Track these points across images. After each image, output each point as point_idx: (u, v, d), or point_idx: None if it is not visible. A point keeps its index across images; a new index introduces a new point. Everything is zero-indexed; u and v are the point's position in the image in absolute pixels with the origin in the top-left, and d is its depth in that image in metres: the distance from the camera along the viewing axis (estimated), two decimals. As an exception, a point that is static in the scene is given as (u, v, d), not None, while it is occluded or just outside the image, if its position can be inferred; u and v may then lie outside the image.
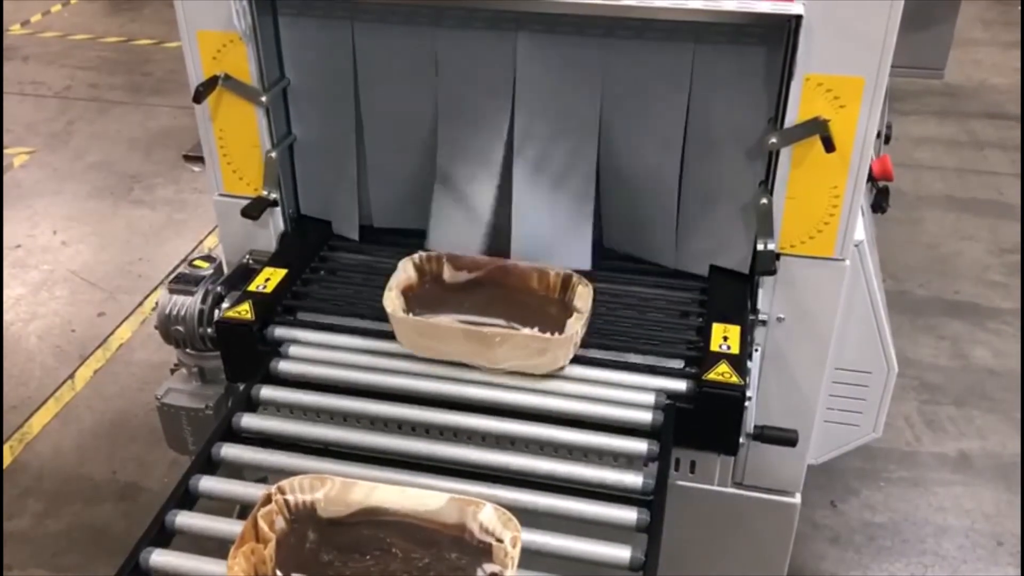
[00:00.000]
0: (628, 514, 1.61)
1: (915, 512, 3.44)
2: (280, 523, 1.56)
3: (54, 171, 5.78)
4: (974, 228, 5.09)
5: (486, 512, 1.53)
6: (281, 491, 1.57)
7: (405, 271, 2.05)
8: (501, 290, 2.06)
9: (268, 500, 1.55)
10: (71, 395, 4.04)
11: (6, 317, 4.47)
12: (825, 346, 2.12)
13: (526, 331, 1.89)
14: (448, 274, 2.09)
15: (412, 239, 2.31)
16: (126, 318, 4.49)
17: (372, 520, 1.56)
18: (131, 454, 3.71)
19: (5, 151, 5.94)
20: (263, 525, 1.52)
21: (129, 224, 5.25)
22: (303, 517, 1.58)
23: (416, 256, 2.07)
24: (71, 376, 4.13)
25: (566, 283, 2.03)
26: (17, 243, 5.05)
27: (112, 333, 4.40)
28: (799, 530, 2.44)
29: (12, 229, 5.16)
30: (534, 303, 2.03)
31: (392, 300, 1.96)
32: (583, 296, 1.98)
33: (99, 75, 7.11)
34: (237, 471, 1.80)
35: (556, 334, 1.87)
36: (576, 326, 1.90)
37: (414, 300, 2.02)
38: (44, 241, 5.09)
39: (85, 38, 7.83)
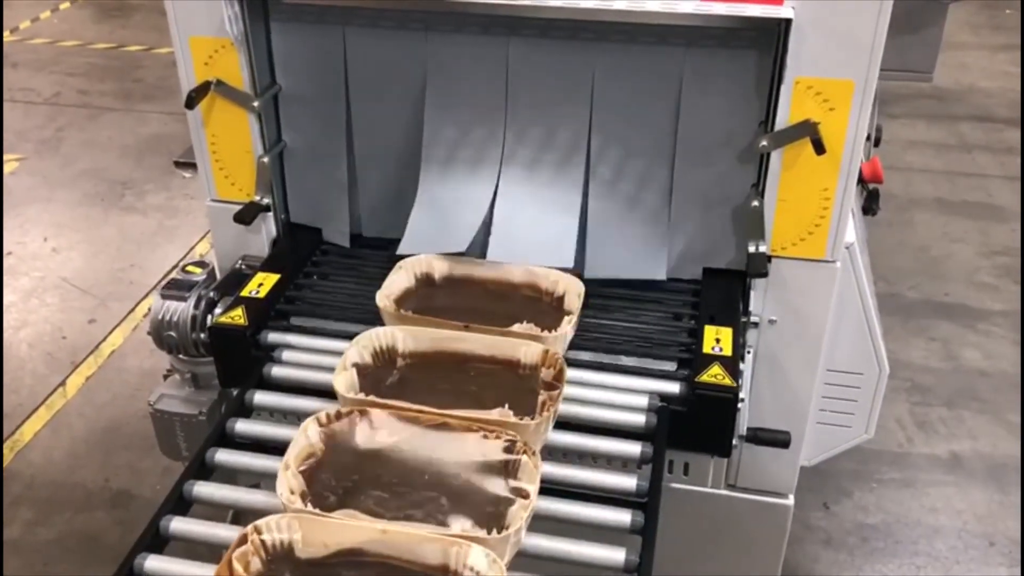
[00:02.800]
0: (622, 516, 1.62)
1: (907, 513, 3.45)
2: (256, 564, 1.48)
3: (44, 178, 5.76)
4: (964, 230, 5.12)
5: (472, 554, 1.44)
6: (257, 531, 1.49)
7: (307, 438, 1.64)
8: (427, 461, 1.65)
9: (243, 540, 1.48)
10: (62, 402, 4.02)
11: (-3, 325, 4.46)
12: (817, 348, 2.13)
13: (454, 528, 1.53)
14: (362, 437, 1.68)
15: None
16: (117, 325, 4.48)
17: (352, 560, 1.49)
18: (123, 461, 3.69)
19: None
20: (238, 567, 1.45)
21: (120, 231, 5.24)
22: (280, 558, 1.50)
23: (323, 415, 1.68)
24: (62, 383, 4.12)
25: (509, 451, 1.63)
26: (7, 250, 5.03)
27: (103, 340, 4.38)
28: (792, 532, 2.45)
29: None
30: (469, 479, 1.63)
31: (287, 482, 1.57)
32: (528, 472, 1.59)
33: (89, 82, 7.10)
34: (231, 476, 1.80)
35: (495, 532, 1.49)
36: (519, 519, 1.51)
37: (318, 479, 1.62)
38: (34, 248, 5.08)
39: (74, 44, 7.81)
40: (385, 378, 1.84)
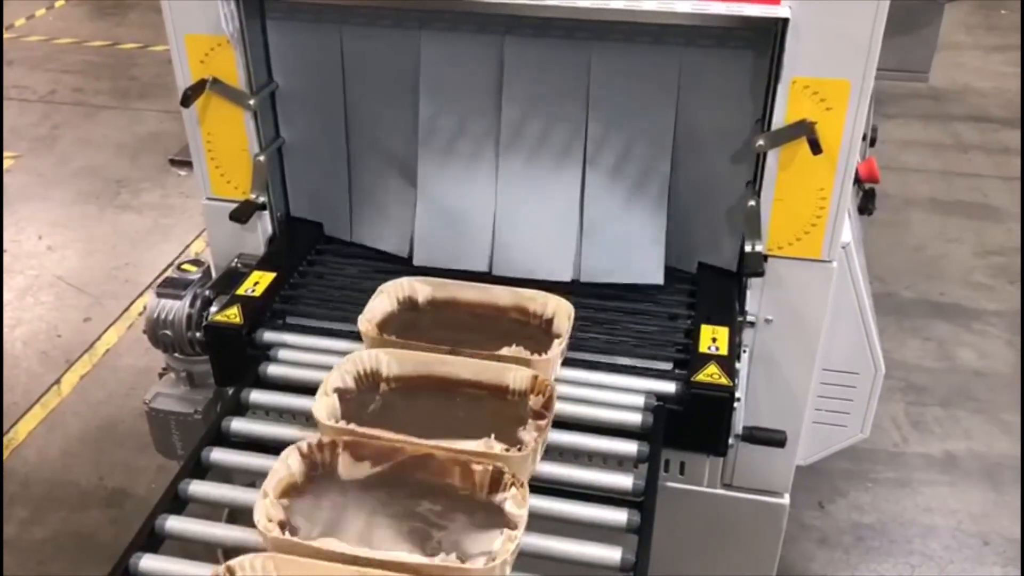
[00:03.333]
0: (618, 515, 1.62)
1: (902, 512, 3.46)
2: None
3: (39, 176, 5.75)
4: (959, 230, 5.13)
5: None
6: (230, 571, 1.42)
7: (287, 466, 1.60)
8: (411, 489, 1.61)
9: None
10: (57, 401, 4.01)
11: (-9, 323, 4.45)
12: (813, 347, 2.13)
13: (437, 560, 1.47)
14: (345, 467, 1.63)
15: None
16: (112, 323, 4.47)
17: None
18: (118, 460, 3.69)
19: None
20: None
21: (115, 229, 5.23)
22: None
23: (303, 444, 1.63)
24: (57, 382, 4.11)
25: (496, 481, 1.58)
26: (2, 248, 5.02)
27: (98, 338, 4.37)
28: (787, 531, 2.44)
29: (-3, 234, 5.14)
30: (453, 507, 1.59)
31: (266, 510, 1.52)
32: (517, 501, 1.55)
33: (84, 79, 7.08)
34: (227, 475, 1.79)
35: (480, 563, 1.46)
36: (505, 551, 1.45)
37: (298, 508, 1.57)
38: (29, 246, 5.06)
39: (70, 42, 7.79)
40: (368, 403, 1.78)
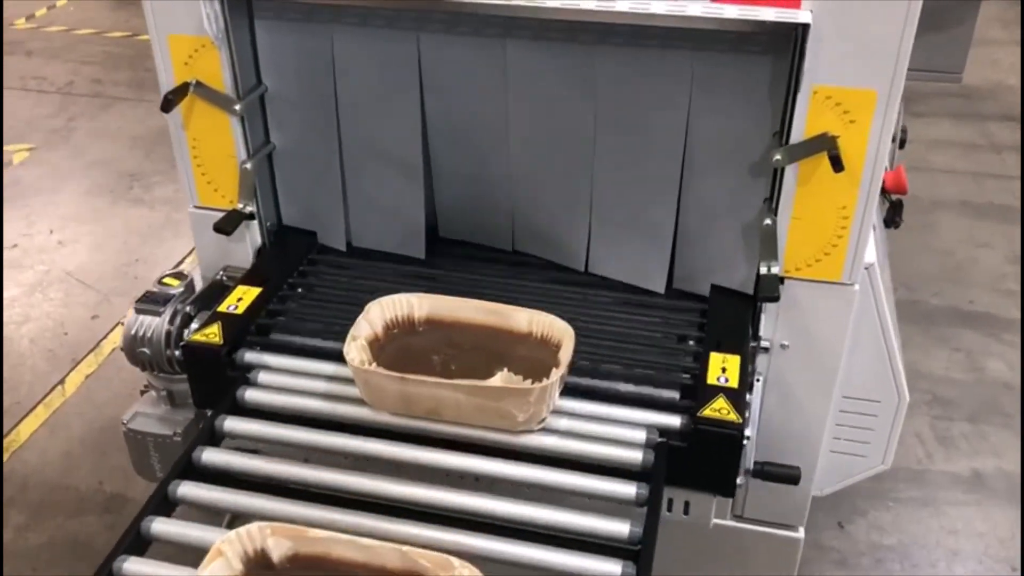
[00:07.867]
0: (611, 568, 1.49)
1: (926, 534, 3.32)
2: None
3: (53, 169, 5.71)
4: (990, 235, 4.96)
5: None
6: None
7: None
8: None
9: None
10: (61, 401, 3.96)
11: (-3, 319, 4.41)
12: (832, 375, 2.00)
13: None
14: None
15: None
16: (120, 322, 4.41)
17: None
18: (119, 464, 3.61)
19: (5, 148, 5.88)
20: None
21: (126, 224, 5.18)
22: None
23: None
24: (62, 381, 4.05)
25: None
26: (13, 243, 4.98)
27: (105, 337, 4.31)
28: (804, 553, 2.34)
29: (8, 228, 5.10)
30: None
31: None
32: None
33: (103, 70, 7.04)
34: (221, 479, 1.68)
35: None
36: None
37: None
38: (40, 241, 5.02)
39: (90, 32, 7.76)
40: None
